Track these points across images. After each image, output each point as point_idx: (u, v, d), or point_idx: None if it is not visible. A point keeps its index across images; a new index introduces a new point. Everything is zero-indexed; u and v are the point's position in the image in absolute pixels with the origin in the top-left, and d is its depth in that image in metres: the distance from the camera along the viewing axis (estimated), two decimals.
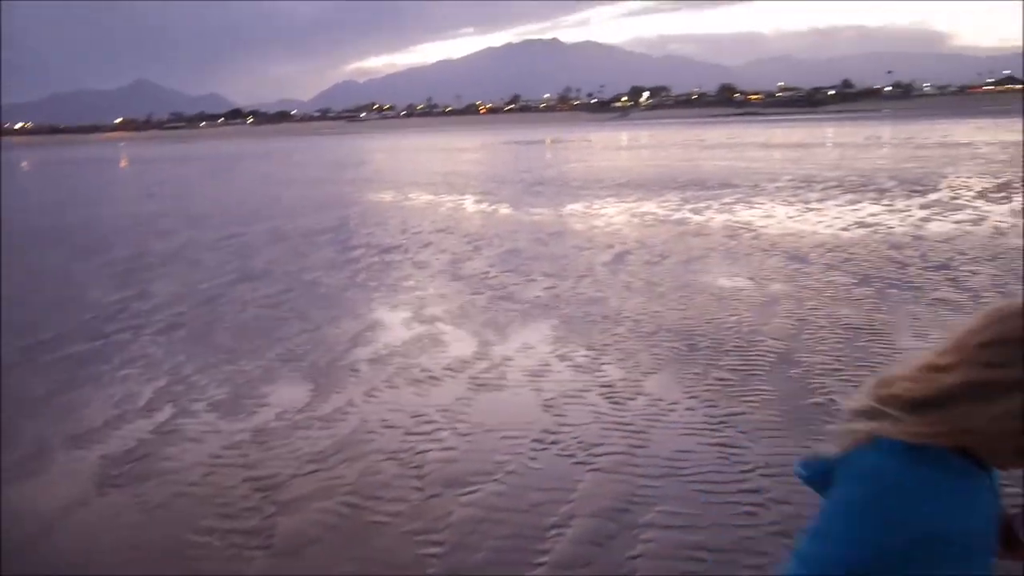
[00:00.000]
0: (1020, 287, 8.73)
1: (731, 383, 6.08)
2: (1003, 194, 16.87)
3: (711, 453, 4.94)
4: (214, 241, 15.05)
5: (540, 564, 3.87)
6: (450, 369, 6.78)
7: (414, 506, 4.48)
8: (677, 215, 15.86)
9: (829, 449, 1.19)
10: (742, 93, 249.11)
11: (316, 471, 4.96)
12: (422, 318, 8.53)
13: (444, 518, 4.34)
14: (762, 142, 48.44)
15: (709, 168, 28.49)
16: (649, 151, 44.42)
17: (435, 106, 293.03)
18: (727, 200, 17.93)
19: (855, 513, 0.95)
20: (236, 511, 4.52)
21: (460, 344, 7.52)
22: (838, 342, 6.96)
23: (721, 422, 5.39)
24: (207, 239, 15.32)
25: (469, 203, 20.25)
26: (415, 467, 4.96)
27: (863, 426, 1.06)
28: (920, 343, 6.82)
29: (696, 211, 16.29)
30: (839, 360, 6.48)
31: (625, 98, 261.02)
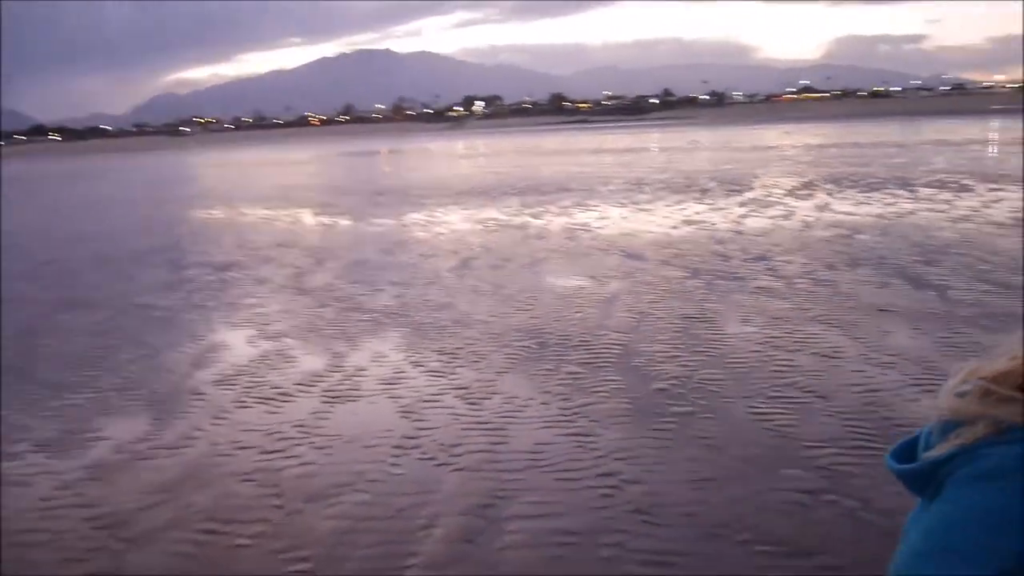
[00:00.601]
0: (827, 274, 9.70)
1: (581, 376, 6.36)
2: (808, 191, 18.63)
3: (567, 443, 5.16)
4: (30, 269, 13.81)
5: (410, 567, 3.89)
6: (302, 384, 6.63)
7: (276, 525, 4.36)
8: (518, 220, 16.29)
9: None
10: (572, 102, 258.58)
11: (166, 501, 4.71)
12: (268, 335, 8.28)
13: (308, 533, 4.26)
14: (594, 148, 50.60)
15: (546, 174, 29.41)
16: (487, 159, 45.21)
17: (264, 118, 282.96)
18: (565, 203, 18.63)
19: (994, 521, 0.71)
20: (80, 553, 4.21)
21: (311, 358, 7.37)
22: (675, 331, 7.44)
23: (575, 413, 5.63)
24: (20, 268, 14.03)
25: (308, 216, 19.79)
26: (273, 485, 4.83)
27: (988, 410, 0.75)
28: (746, 328, 7.45)
29: (536, 215, 16.80)
30: (677, 348, 6.94)
31: (459, 108, 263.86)
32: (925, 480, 0.77)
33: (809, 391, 5.84)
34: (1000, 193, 17.06)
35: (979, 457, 0.73)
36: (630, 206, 17.52)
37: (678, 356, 6.72)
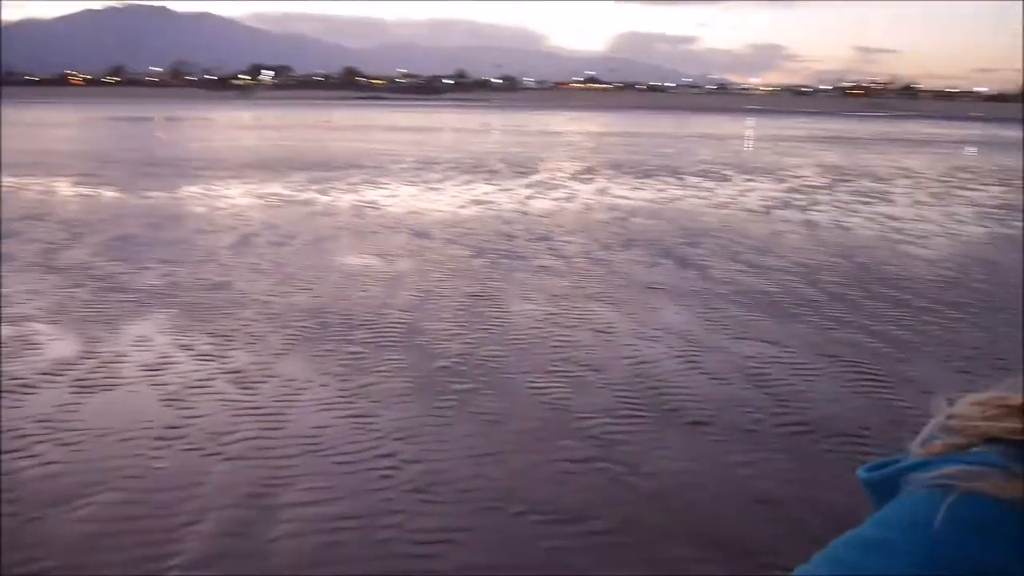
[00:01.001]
0: (604, 254, 10.24)
1: (363, 356, 6.23)
2: (589, 176, 19.59)
3: (346, 425, 5.02)
4: None
5: (172, 567, 3.59)
6: (48, 374, 5.91)
7: (10, 534, 3.84)
8: (304, 195, 15.68)
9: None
10: (366, 77, 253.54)
11: None
12: (8, 318, 7.30)
13: (51, 541, 3.79)
14: (387, 125, 49.96)
15: (336, 149, 28.59)
16: (275, 132, 43.12)
17: (12, 73, 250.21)
18: (354, 180, 18.21)
19: (930, 528, 0.67)
20: None
21: (60, 344, 6.59)
22: (459, 309, 7.51)
23: (355, 394, 5.49)
24: None
25: (65, 186, 17.75)
26: (7, 490, 4.25)
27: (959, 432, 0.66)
28: (527, 306, 7.68)
29: (323, 191, 16.27)
30: (461, 326, 7.00)
31: (246, 76, 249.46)
32: (885, 490, 0.73)
33: (584, 365, 6.12)
34: (753, 183, 18.99)
35: (932, 468, 0.69)
36: (420, 185, 17.48)
37: (461, 334, 6.77)
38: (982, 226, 13.73)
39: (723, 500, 4.25)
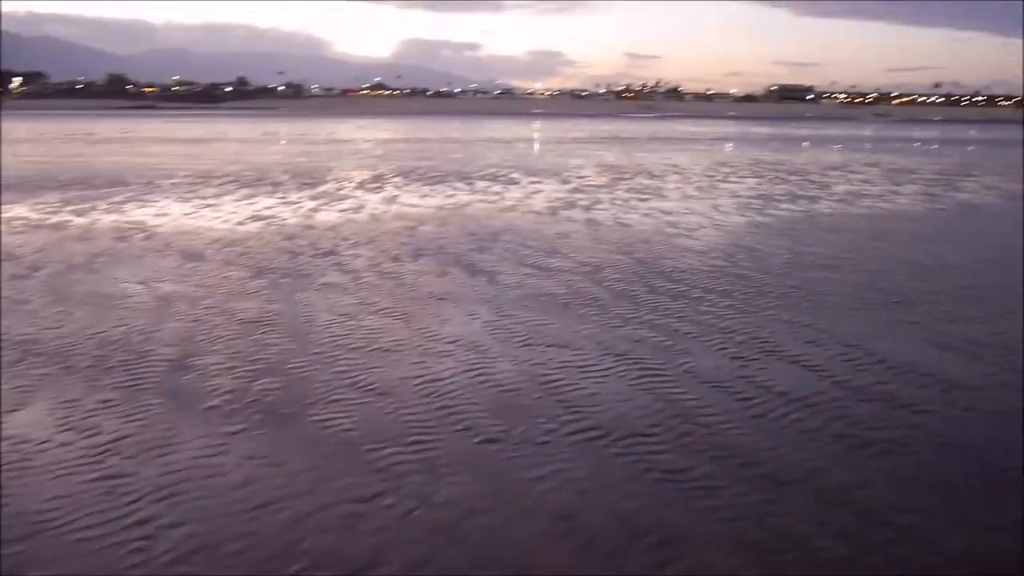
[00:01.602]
0: (393, 266, 9.89)
1: (116, 403, 5.44)
2: (378, 185, 19.14)
3: (92, 491, 4.30)
4: None
5: None
6: None
7: None
8: (55, 218, 13.91)
9: None
10: (135, 85, 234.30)
11: None
12: None
13: None
14: (160, 137, 46.24)
15: (98, 165, 25.90)
16: (26, 146, 38.43)
17: None
18: (117, 199, 16.48)
19: None
20: None
21: None
22: (234, 338, 6.85)
23: (105, 451, 4.75)
24: None
25: None
26: None
27: None
28: (309, 327, 7.16)
29: (79, 212, 14.55)
30: (234, 357, 6.37)
31: None
32: None
33: (371, 390, 5.75)
34: (539, 185, 19.48)
35: None
36: (194, 201, 16.16)
37: (235, 367, 6.15)
38: (743, 215, 14.93)
39: (520, 522, 4.07)
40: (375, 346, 6.70)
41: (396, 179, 20.48)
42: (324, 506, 4.16)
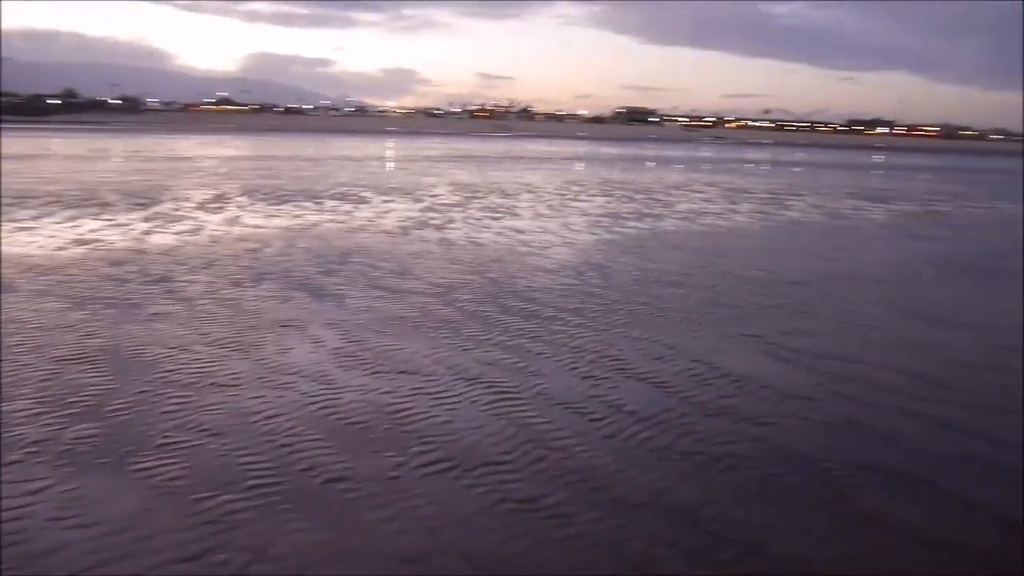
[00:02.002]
0: (233, 292, 9.29)
1: None
2: (220, 204, 18.13)
3: None
4: None
5: None
6: None
7: None
8: None
9: None
10: None
11: None
12: None
13: None
14: None
15: None
16: None
17: None
18: None
19: None
20: None
21: None
22: (45, 380, 6.12)
23: None
24: None
25: None
26: None
27: None
28: (134, 364, 6.53)
29: None
30: (44, 402, 5.68)
31: None
32: None
33: (204, 431, 5.28)
34: (392, 204, 19.15)
35: None
36: (7, 225, 14.61)
37: (44, 413, 5.48)
38: (593, 234, 15.28)
39: (365, 571, 3.80)
40: (209, 381, 6.19)
41: (240, 198, 19.50)
42: (144, 571, 3.72)
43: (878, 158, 76.40)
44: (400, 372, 6.57)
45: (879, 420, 5.94)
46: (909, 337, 8.41)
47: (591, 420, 5.73)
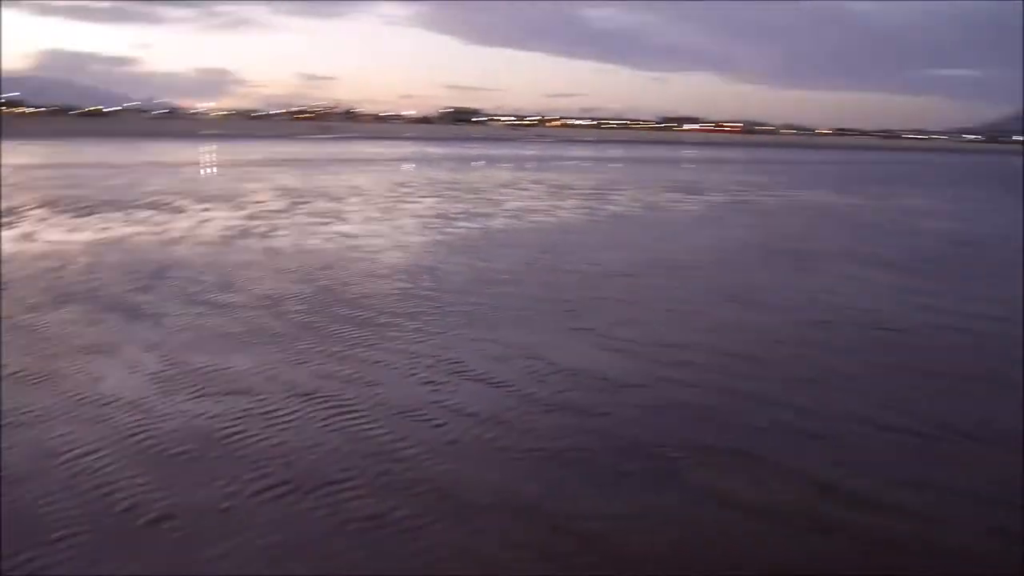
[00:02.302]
0: (28, 317, 8.38)
1: None
2: (10, 219, 16.34)
3: None
4: None
5: None
6: None
7: None
8: None
9: None
10: None
11: None
12: None
13: None
14: None
15: None
16: None
17: None
18: None
19: None
20: None
21: None
22: None
23: None
24: None
25: None
26: None
27: None
28: None
29: None
30: None
31: None
32: None
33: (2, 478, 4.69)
34: (211, 213, 18.08)
35: None
36: None
37: None
38: (424, 235, 15.20)
39: None
40: (4, 422, 5.52)
41: (36, 211, 17.67)
42: None
43: (689, 153, 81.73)
44: (228, 393, 6.18)
45: (705, 400, 6.30)
46: (727, 319, 9.02)
47: (433, 426, 5.65)
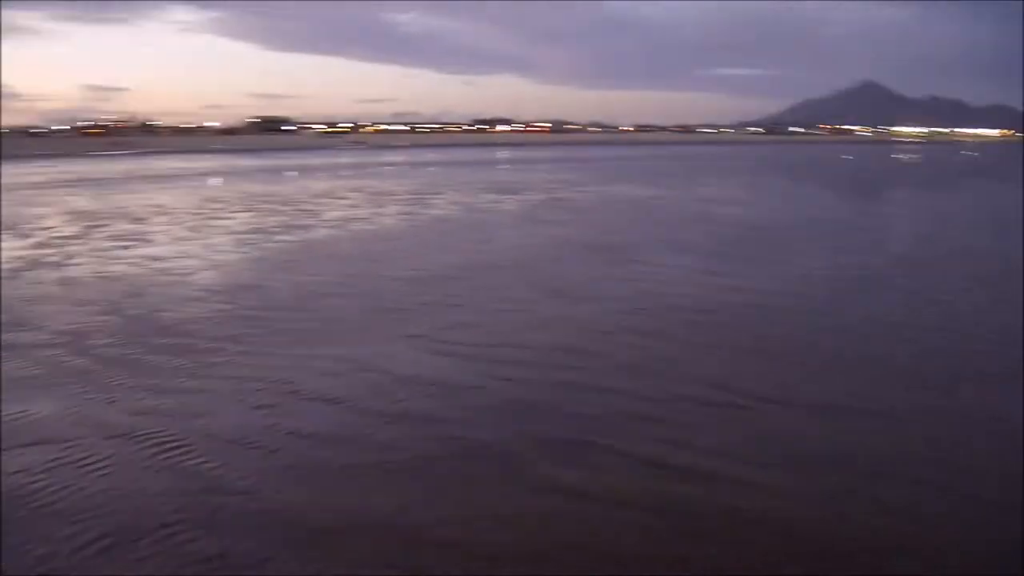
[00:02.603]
0: None
1: None
2: None
3: None
4: None
5: None
6: None
7: None
8: None
9: None
10: None
11: None
12: None
13: None
14: None
15: None
16: None
17: None
18: None
19: None
20: None
21: None
22: None
23: None
24: None
25: None
26: None
27: None
28: None
29: None
30: None
31: None
32: None
33: None
34: None
35: None
36: None
37: None
38: (241, 252, 14.49)
39: None
40: None
41: None
42: None
43: (503, 154, 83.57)
44: (29, 445, 5.59)
45: (540, 395, 6.50)
46: (553, 314, 9.33)
47: (269, 453, 5.43)
